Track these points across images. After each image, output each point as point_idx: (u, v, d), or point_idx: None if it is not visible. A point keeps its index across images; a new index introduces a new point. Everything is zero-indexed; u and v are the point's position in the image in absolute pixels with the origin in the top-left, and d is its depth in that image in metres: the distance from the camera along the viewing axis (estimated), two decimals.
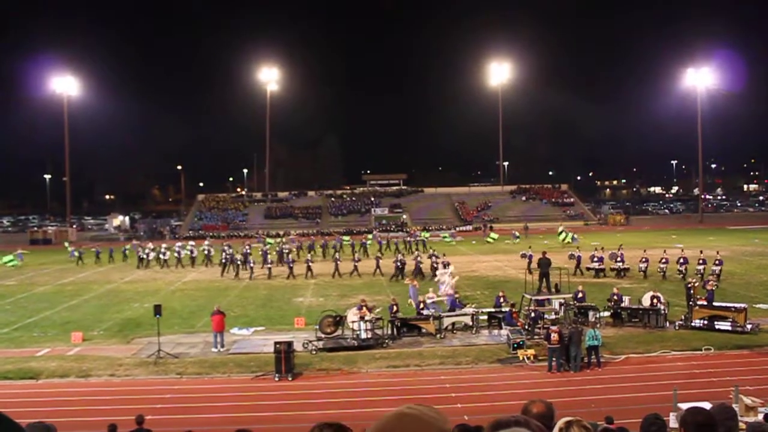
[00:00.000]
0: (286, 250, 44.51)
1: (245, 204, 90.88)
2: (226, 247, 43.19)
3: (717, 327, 21.65)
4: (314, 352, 20.42)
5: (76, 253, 49.41)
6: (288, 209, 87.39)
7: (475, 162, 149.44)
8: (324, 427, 2.16)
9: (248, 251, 42.09)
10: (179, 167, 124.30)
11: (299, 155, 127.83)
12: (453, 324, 22.99)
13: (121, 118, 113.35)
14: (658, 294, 23.49)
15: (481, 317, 23.43)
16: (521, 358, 18.94)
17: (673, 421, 10.06)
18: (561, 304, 23.74)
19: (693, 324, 22.09)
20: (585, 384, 17.31)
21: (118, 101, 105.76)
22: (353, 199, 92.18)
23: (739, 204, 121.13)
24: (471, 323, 22.95)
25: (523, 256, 37.73)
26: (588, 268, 35.82)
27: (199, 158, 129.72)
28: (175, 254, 45.67)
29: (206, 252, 46.04)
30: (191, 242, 50.13)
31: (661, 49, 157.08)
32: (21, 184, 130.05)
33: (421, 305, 23.71)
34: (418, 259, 37.68)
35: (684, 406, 9.75)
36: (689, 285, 25.23)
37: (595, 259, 36.18)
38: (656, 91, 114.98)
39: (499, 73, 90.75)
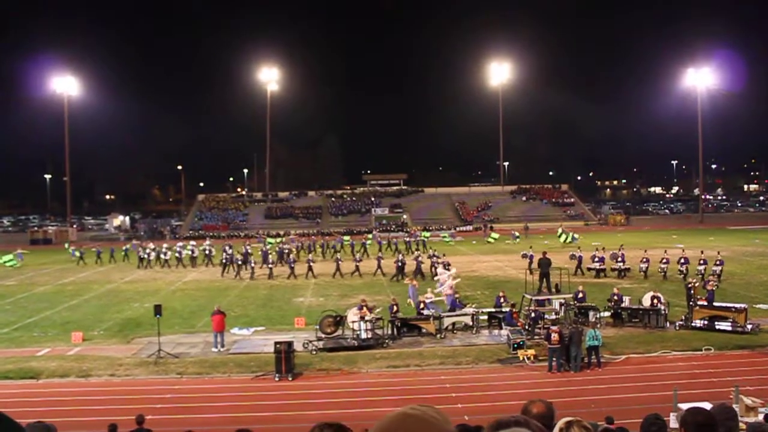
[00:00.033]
0: (286, 250, 44.54)
1: (245, 204, 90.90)
2: (226, 248, 43.21)
3: (717, 327, 21.65)
4: (314, 352, 20.42)
5: (77, 253, 49.43)
6: (288, 209, 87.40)
7: (475, 162, 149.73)
8: (324, 427, 2.16)
9: (249, 251, 42.13)
10: (179, 167, 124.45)
11: (299, 155, 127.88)
12: (453, 324, 22.99)
13: (122, 118, 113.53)
14: (659, 294, 23.49)
15: (482, 317, 23.43)
16: (521, 358, 18.94)
17: (673, 422, 10.06)
18: (561, 305, 23.74)
19: (693, 324, 22.09)
20: (585, 384, 17.31)
21: (119, 101, 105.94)
22: (353, 199, 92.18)
23: (739, 204, 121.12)
24: (471, 323, 22.95)
25: (524, 256, 37.75)
26: (589, 269, 35.84)
27: (200, 158, 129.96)
28: (176, 254, 45.72)
29: (207, 252, 46.10)
30: (192, 242, 50.16)
31: (661, 49, 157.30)
32: (21, 184, 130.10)
33: (422, 305, 23.72)
34: (419, 259, 37.69)
35: (684, 406, 9.75)
36: (689, 285, 25.23)
37: (596, 259, 36.19)
38: (656, 91, 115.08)
39: (499, 73, 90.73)
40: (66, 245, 53.99)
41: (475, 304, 25.90)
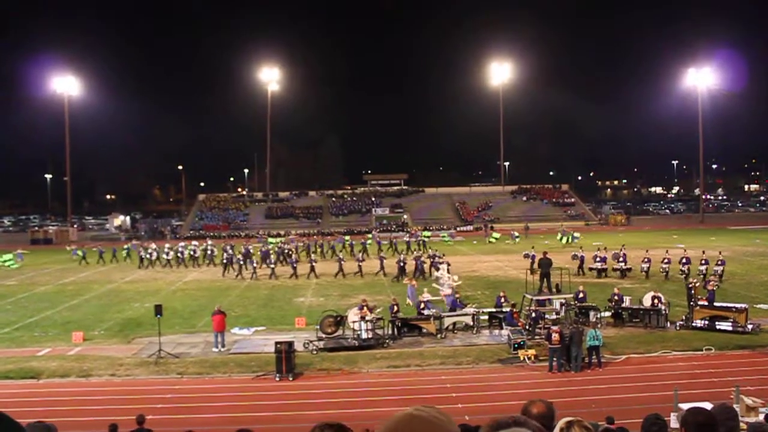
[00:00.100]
0: (286, 250, 44.58)
1: (246, 204, 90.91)
2: (228, 248, 43.27)
3: (718, 327, 21.65)
4: (315, 352, 20.43)
5: (79, 252, 49.48)
6: (289, 209, 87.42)
7: (475, 162, 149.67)
8: (325, 427, 2.16)
9: (250, 251, 42.20)
10: (180, 167, 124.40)
11: (300, 155, 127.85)
12: (454, 324, 22.99)
13: (122, 118, 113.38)
14: (659, 294, 23.49)
15: (482, 317, 23.43)
16: (522, 358, 18.94)
17: (673, 422, 10.06)
18: (562, 305, 23.75)
19: (694, 324, 22.09)
20: (586, 384, 17.31)
21: (119, 101, 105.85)
22: (354, 199, 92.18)
23: (740, 204, 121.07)
24: (472, 323, 22.95)
25: (526, 256, 37.72)
26: (590, 269, 35.85)
27: (200, 158, 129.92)
28: (178, 254, 45.79)
29: (209, 252, 46.19)
30: (194, 242, 50.22)
31: (662, 49, 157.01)
32: (22, 183, 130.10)
33: (422, 305, 23.72)
34: (421, 259, 37.73)
35: (685, 406, 9.74)
36: (690, 285, 25.22)
37: (598, 259, 36.18)
38: (657, 91, 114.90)
39: (500, 73, 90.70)
40: (68, 248, 53.91)
41: (475, 304, 25.89)
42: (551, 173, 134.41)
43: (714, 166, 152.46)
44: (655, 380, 16.76)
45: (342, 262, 38.70)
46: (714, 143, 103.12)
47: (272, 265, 38.94)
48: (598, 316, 22.98)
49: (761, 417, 10.13)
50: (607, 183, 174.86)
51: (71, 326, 25.12)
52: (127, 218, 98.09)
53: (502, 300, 23.93)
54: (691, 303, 23.35)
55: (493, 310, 23.81)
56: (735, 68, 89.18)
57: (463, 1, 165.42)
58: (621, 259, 35.35)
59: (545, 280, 27.45)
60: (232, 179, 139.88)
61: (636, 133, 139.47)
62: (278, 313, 27.49)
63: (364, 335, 21.18)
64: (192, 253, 46.51)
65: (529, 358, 18.91)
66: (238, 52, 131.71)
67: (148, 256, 45.12)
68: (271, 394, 17.04)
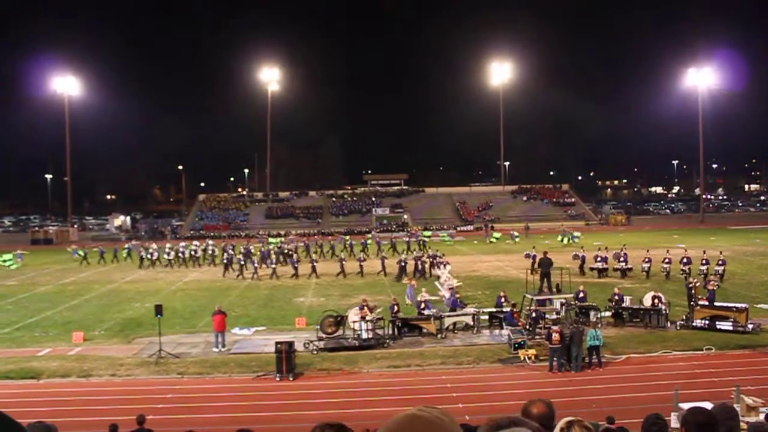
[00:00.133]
0: (285, 250, 44.60)
1: (246, 204, 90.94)
2: (229, 248, 43.33)
3: (718, 327, 21.64)
4: (315, 352, 20.43)
5: (80, 252, 49.50)
6: (289, 209, 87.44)
7: (476, 162, 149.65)
8: (325, 427, 2.16)
9: (251, 250, 42.25)
10: (180, 167, 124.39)
11: (300, 155, 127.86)
12: (454, 324, 22.99)
13: (122, 118, 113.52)
14: (660, 294, 23.48)
15: (483, 317, 23.42)
16: (522, 358, 18.93)
17: (674, 421, 10.06)
18: (562, 304, 23.75)
19: (694, 324, 22.08)
20: (586, 384, 17.31)
21: (119, 101, 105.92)
22: (354, 199, 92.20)
23: (740, 204, 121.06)
24: (472, 323, 22.95)
25: (527, 256, 37.76)
26: (591, 268, 35.86)
27: (200, 158, 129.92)
28: (179, 254, 45.84)
29: (211, 252, 46.23)
30: (195, 242, 50.26)
31: (662, 49, 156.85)
32: (22, 183, 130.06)
33: (422, 305, 23.73)
34: (423, 259, 37.78)
35: (685, 406, 9.74)
36: (690, 285, 25.22)
37: (599, 259, 36.16)
38: (657, 91, 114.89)
39: (500, 73, 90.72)
40: (69, 250, 53.86)
41: (476, 304, 25.90)
42: (551, 173, 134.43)
43: (714, 166, 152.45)
44: (655, 380, 16.76)
45: (343, 262, 38.74)
46: (714, 143, 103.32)
47: (273, 265, 38.97)
48: (599, 315, 22.98)
49: (762, 417, 10.13)
50: (608, 183, 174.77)
51: (72, 326, 25.12)
52: (128, 218, 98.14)
53: (503, 300, 23.92)
54: (692, 303, 23.34)
55: (494, 310, 23.81)
56: (735, 68, 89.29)
57: (463, 1, 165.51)
58: (622, 258, 35.34)
59: (545, 280, 27.45)
60: (232, 179, 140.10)
61: (636, 133, 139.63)
62: (278, 313, 27.49)
63: (364, 335, 21.18)
64: (193, 252, 46.56)
65: (529, 358, 18.90)
66: (238, 52, 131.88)
67: (149, 256, 45.14)
68: (271, 394, 17.04)
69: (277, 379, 17.98)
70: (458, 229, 76.37)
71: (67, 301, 31.68)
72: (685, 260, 33.33)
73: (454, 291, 25.95)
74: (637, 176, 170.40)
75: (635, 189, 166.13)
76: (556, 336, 18.18)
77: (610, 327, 22.73)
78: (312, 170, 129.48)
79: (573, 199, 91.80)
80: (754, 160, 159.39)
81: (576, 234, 54.57)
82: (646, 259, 34.63)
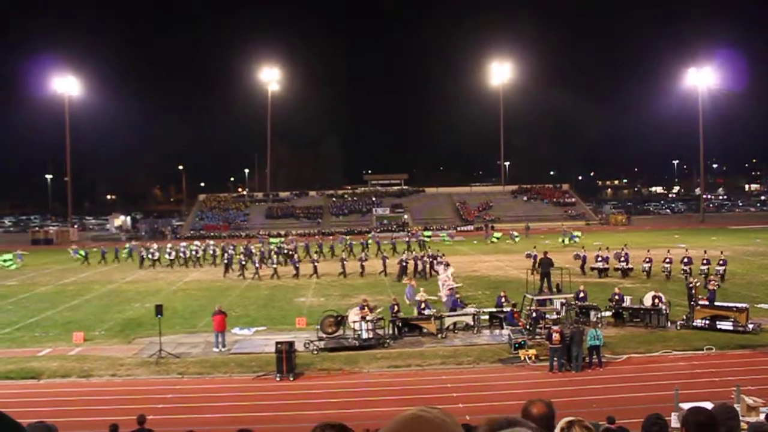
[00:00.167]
0: (285, 250, 44.61)
1: (246, 204, 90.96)
2: (231, 248, 43.35)
3: (719, 327, 21.63)
4: (315, 352, 20.43)
5: (81, 252, 49.51)
6: (289, 209, 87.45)
7: (476, 162, 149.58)
8: (326, 427, 2.16)
9: (252, 250, 42.32)
10: (180, 167, 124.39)
11: (300, 155, 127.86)
12: (454, 324, 22.99)
13: (123, 118, 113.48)
14: (660, 294, 23.47)
15: (483, 317, 23.41)
16: (523, 358, 18.93)
17: (674, 421, 10.05)
18: (562, 304, 23.75)
19: (694, 324, 22.08)
20: (586, 384, 17.31)
21: (119, 101, 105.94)
22: (354, 199, 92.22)
23: (740, 204, 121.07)
24: (472, 323, 22.95)
25: (528, 256, 37.78)
26: (592, 268, 35.85)
27: (201, 158, 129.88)
28: (181, 254, 45.87)
29: (212, 252, 46.25)
30: (196, 242, 50.31)
31: (662, 48, 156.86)
32: (22, 184, 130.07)
33: (422, 305, 23.72)
34: (424, 259, 37.82)
35: (685, 406, 9.74)
36: (691, 285, 25.20)
37: (600, 258, 36.15)
38: (657, 90, 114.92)
39: (500, 72, 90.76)
40: (70, 250, 53.85)
41: (476, 304, 25.90)
42: (552, 173, 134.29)
43: (714, 166, 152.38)
44: (655, 380, 16.76)
45: (345, 262, 38.78)
46: (714, 143, 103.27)
47: (274, 265, 38.99)
48: (599, 315, 22.98)
49: (762, 417, 10.13)
50: (608, 183, 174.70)
51: (72, 326, 25.13)
52: (128, 218, 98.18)
53: (503, 300, 23.92)
54: (692, 303, 23.32)
55: (494, 309, 23.80)
56: (735, 68, 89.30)
57: (463, 1, 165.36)
58: (623, 258, 35.33)
59: (545, 279, 27.44)
60: (232, 179, 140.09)
61: (636, 133, 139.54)
62: (279, 313, 27.49)
63: (364, 335, 21.18)
64: (194, 252, 46.60)
65: (529, 358, 18.90)
66: (238, 52, 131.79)
67: (150, 256, 45.18)
68: (271, 394, 17.04)
69: (278, 379, 17.98)
70: (458, 229, 76.42)
71: (68, 302, 31.68)
72: (686, 260, 33.31)
73: (453, 291, 25.94)
74: (638, 176, 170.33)
75: (635, 189, 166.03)
76: (556, 336, 18.18)
77: (611, 327, 22.72)
78: (312, 170, 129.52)
79: (573, 199, 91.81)
80: (754, 160, 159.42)
81: (576, 234, 54.54)
82: (647, 259, 34.60)
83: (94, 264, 47.49)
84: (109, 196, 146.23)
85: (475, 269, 39.91)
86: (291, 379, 17.98)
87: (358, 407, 15.81)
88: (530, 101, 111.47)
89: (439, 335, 22.05)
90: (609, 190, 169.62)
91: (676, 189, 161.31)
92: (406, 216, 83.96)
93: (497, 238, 58.12)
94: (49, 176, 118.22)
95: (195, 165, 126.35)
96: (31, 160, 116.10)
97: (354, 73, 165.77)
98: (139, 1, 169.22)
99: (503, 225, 74.31)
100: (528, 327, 21.83)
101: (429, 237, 57.12)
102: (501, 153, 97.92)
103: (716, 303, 23.03)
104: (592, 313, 23.09)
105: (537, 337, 20.72)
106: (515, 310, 22.98)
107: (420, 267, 36.89)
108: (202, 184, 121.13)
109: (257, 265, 39.15)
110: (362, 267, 38.30)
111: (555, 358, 18.21)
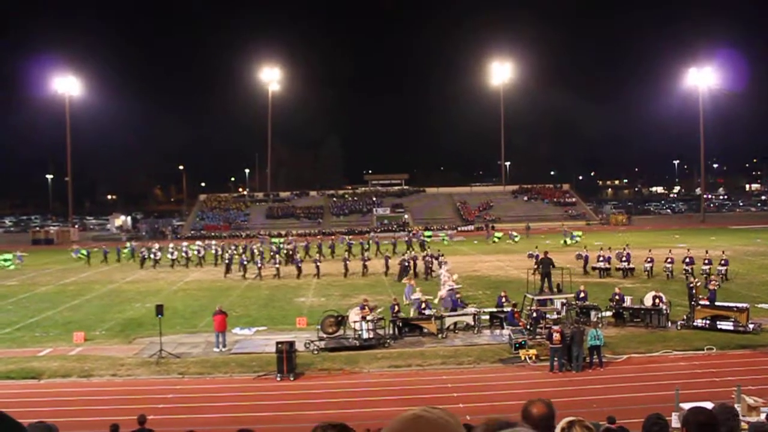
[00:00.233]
0: (285, 251, 44.65)
1: (247, 204, 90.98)
2: (231, 248, 43.36)
3: (719, 327, 21.62)
4: (316, 352, 20.42)
5: (83, 251, 49.52)
6: (290, 209, 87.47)
7: (476, 162, 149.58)
8: (328, 427, 2.16)
9: (254, 250, 42.42)
10: (181, 167, 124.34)
11: (301, 155, 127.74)
12: (455, 324, 22.98)
13: (123, 118, 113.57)
14: (660, 294, 23.46)
15: (483, 317, 23.41)
16: (523, 358, 18.93)
17: (675, 421, 10.05)
18: (563, 304, 23.73)
19: (695, 324, 22.07)
20: (587, 384, 17.30)
21: (120, 101, 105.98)
22: (355, 199, 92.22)
23: (741, 204, 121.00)
24: (473, 323, 22.94)
25: (530, 256, 37.79)
26: (593, 268, 35.84)
27: (201, 158, 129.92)
28: (182, 254, 45.88)
29: (214, 252, 46.26)
30: (198, 242, 50.35)
31: (663, 48, 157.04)
32: (23, 184, 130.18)
33: (423, 305, 23.73)
34: (426, 258, 37.86)
35: (686, 406, 9.74)
36: (691, 285, 25.18)
37: (601, 259, 36.13)
38: (658, 90, 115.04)
39: (501, 72, 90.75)
40: (70, 250, 53.83)
41: (476, 304, 25.89)
42: (552, 173, 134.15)
43: (715, 166, 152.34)
44: (656, 380, 16.75)
45: (347, 262, 38.84)
46: (715, 143, 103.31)
47: (277, 265, 39.03)
48: (599, 315, 22.97)
49: (762, 416, 10.13)
50: (608, 183, 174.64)
51: (72, 326, 25.13)
52: (128, 218, 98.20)
53: (503, 300, 23.91)
54: (693, 302, 23.31)
55: (494, 309, 23.79)
56: (736, 68, 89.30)
57: (463, 1, 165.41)
58: (624, 258, 35.32)
59: (546, 279, 27.43)
60: (233, 179, 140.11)
61: (637, 133, 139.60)
62: (279, 313, 27.49)
63: (365, 335, 21.17)
64: (197, 252, 46.64)
65: (530, 358, 18.90)
66: (239, 52, 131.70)
67: (152, 256, 45.22)
68: (272, 394, 17.04)
69: (278, 379, 17.98)
70: (459, 229, 76.44)
71: (68, 301, 31.69)
72: (687, 260, 33.24)
73: (453, 291, 25.93)
74: (638, 176, 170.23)
75: (636, 189, 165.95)
76: (556, 336, 18.17)
77: (611, 327, 22.71)
78: (313, 170, 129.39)
79: (574, 199, 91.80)
80: (754, 160, 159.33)
81: (576, 234, 54.49)
82: (648, 259, 34.58)
83: (96, 264, 47.50)
84: (109, 196, 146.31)
85: (475, 269, 39.91)
86: (291, 379, 17.98)
87: (359, 407, 15.81)
88: (530, 101, 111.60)
89: (440, 335, 22.04)
90: (609, 190, 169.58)
91: (676, 189, 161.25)
92: (406, 216, 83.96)
93: (498, 238, 58.17)
94: (49, 176, 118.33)
95: (195, 165, 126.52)
96: (32, 160, 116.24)
97: (354, 73, 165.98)
98: (139, 1, 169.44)
99: (504, 225, 74.32)
100: (528, 327, 21.81)
101: (429, 237, 57.12)
102: (501, 153, 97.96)
103: (717, 303, 23.02)
104: (593, 313, 23.07)
105: (537, 337, 20.70)
106: (516, 310, 22.97)
107: (425, 267, 36.92)
108: (203, 184, 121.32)
109: (259, 265, 39.17)
110: (365, 267, 38.37)
111: (555, 358, 18.21)
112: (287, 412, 15.43)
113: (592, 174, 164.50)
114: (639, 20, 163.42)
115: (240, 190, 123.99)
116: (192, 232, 78.08)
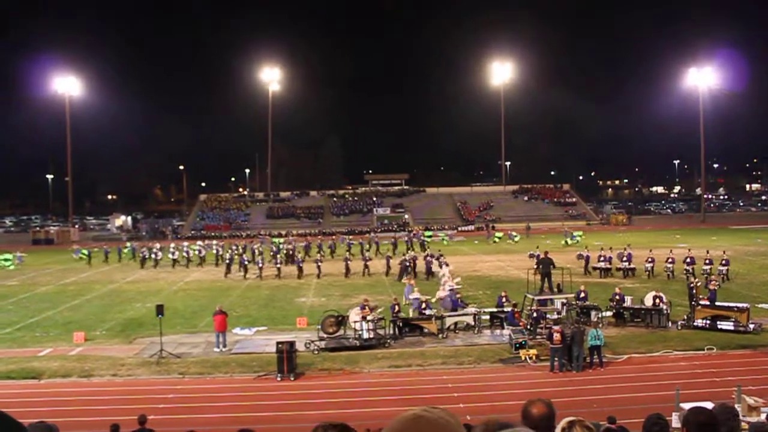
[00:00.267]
0: (284, 250, 44.68)
1: (247, 204, 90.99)
2: (233, 248, 43.38)
3: (719, 327, 21.62)
4: (316, 352, 20.42)
5: (84, 251, 49.53)
6: (290, 209, 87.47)
7: (477, 162, 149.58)
8: (329, 427, 2.16)
9: (255, 250, 42.46)
10: (181, 167, 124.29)
11: (301, 155, 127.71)
12: (455, 324, 22.98)
13: (123, 118, 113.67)
14: (661, 294, 23.46)
15: (484, 317, 23.41)
16: (523, 358, 18.93)
17: (675, 421, 10.04)
18: (563, 304, 23.72)
19: (695, 324, 22.06)
20: (587, 384, 17.30)
21: (120, 101, 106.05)
22: (355, 199, 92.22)
23: (741, 204, 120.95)
24: (473, 323, 22.94)
25: (532, 256, 37.79)
26: (594, 268, 35.83)
27: (201, 158, 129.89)
28: (184, 254, 45.90)
29: (215, 252, 46.30)
30: (199, 242, 50.38)
31: (663, 48, 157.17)
32: (23, 184, 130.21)
33: (423, 305, 23.72)
34: (428, 258, 37.90)
35: (686, 406, 9.74)
36: (691, 285, 25.17)
37: (603, 259, 36.11)
38: (658, 90, 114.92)
39: (501, 72, 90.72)
40: (71, 250, 53.82)
41: (477, 304, 25.89)
42: (552, 173, 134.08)
43: (715, 166, 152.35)
44: (656, 380, 16.75)
45: (349, 262, 38.88)
46: (715, 143, 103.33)
47: (279, 265, 39.05)
48: (600, 315, 22.96)
49: (763, 417, 10.13)
50: (609, 183, 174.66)
51: (73, 326, 25.13)
52: (129, 218, 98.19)
53: (504, 300, 23.91)
54: (693, 302, 23.31)
55: (495, 309, 23.79)
56: (736, 68, 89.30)
57: (463, 1, 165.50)
58: (625, 258, 35.31)
59: (546, 279, 27.42)
60: (233, 179, 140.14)
61: (637, 133, 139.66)
62: (280, 313, 27.49)
63: (365, 335, 21.17)
64: (198, 252, 46.64)
65: (530, 358, 18.90)
66: (239, 52, 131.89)
67: (153, 255, 45.23)
68: (272, 394, 17.04)
69: (278, 379, 17.98)
70: (459, 229, 76.44)
71: (68, 301, 31.70)
72: (688, 260, 33.20)
73: (454, 291, 25.93)
74: (638, 176, 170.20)
75: (636, 189, 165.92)
76: (557, 336, 18.17)
77: (611, 327, 22.71)
78: (313, 170, 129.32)
79: (574, 199, 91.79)
80: (755, 160, 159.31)
81: (576, 234, 54.46)
82: (649, 259, 34.57)
83: (98, 264, 47.51)
84: (109, 196, 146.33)
85: (476, 269, 39.91)
86: (292, 379, 17.98)
87: (359, 407, 15.81)
88: (531, 101, 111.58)
89: (440, 335, 22.04)
90: (610, 190, 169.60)
91: (676, 189, 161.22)
92: (406, 216, 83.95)
93: (499, 238, 58.20)
94: (49, 176, 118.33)
95: (196, 165, 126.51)
96: (32, 160, 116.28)
97: (354, 73, 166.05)
98: (139, 1, 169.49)
99: (504, 225, 74.31)
100: (529, 327, 21.80)
101: (430, 237, 57.13)
102: (502, 153, 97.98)
103: (717, 303, 23.01)
104: (593, 313, 23.07)
105: (538, 337, 20.70)
106: (516, 310, 22.96)
107: (422, 267, 36.92)
108: (203, 184, 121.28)
109: (261, 265, 39.17)
110: (366, 267, 38.41)
111: (556, 358, 18.21)
112: (288, 412, 15.43)
113: (593, 174, 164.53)
114: (639, 20, 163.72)
115: (240, 190, 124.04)
116: (192, 232, 78.07)
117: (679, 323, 22.49)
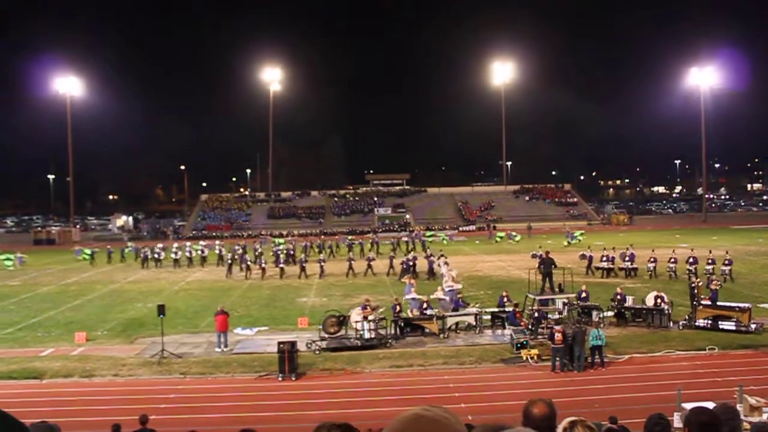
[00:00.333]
0: (284, 250, 44.68)
1: (248, 204, 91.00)
2: (235, 247, 43.41)
3: (721, 327, 21.60)
4: (318, 352, 20.43)
5: (87, 251, 49.57)
6: (291, 209, 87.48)
7: (478, 162, 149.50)
8: (332, 427, 2.15)
9: (256, 250, 42.46)
10: (182, 167, 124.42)
11: (302, 155, 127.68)
12: (456, 324, 22.99)
13: (125, 118, 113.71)
14: (662, 294, 23.44)
15: (485, 317, 23.41)
16: (525, 358, 18.92)
17: (677, 421, 10.04)
18: (565, 304, 23.71)
19: (697, 324, 22.05)
20: (588, 384, 17.29)
21: (121, 101, 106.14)
22: (356, 198, 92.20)
23: (742, 203, 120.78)
24: (474, 323, 22.94)
25: (534, 256, 37.73)
26: (597, 268, 35.81)
27: (203, 158, 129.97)
28: (186, 254, 45.92)
29: (219, 252, 46.33)
30: (201, 242, 50.41)
31: (664, 48, 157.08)
32: (24, 184, 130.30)
33: (424, 305, 23.72)
34: (430, 258, 37.90)
35: (688, 406, 9.73)
36: (693, 285, 25.14)
37: (605, 258, 36.08)
38: (659, 90, 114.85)
39: (502, 72, 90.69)
40: (73, 250, 53.87)
41: (478, 304, 25.87)
42: (553, 173, 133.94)
43: (717, 166, 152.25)
44: (658, 380, 16.74)
45: (352, 262, 38.90)
46: (716, 142, 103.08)
47: (281, 265, 39.05)
48: (601, 315, 22.96)
49: (764, 417, 10.13)
50: (610, 183, 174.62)
51: (74, 326, 25.15)
52: (130, 218, 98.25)
53: (505, 300, 23.90)
54: (694, 302, 23.28)
55: (496, 309, 23.78)
56: (737, 67, 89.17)
57: (463, 1, 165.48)
58: (627, 258, 35.28)
59: (547, 279, 27.40)
60: (234, 179, 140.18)
61: (638, 133, 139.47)
62: (281, 313, 27.50)
63: (366, 335, 21.18)
64: (200, 252, 46.65)
65: (531, 358, 18.89)
66: (240, 52, 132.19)
67: (155, 255, 45.25)
68: (273, 394, 17.05)
69: (280, 379, 17.99)
70: (460, 229, 76.42)
71: (70, 302, 31.73)
72: (691, 260, 33.14)
73: (455, 291, 25.92)
74: (640, 176, 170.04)
75: (637, 189, 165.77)
76: (558, 336, 18.17)
77: (613, 327, 22.70)
78: (314, 170, 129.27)
79: (575, 199, 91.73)
80: (756, 160, 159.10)
81: (576, 234, 54.39)
82: (652, 259, 34.52)
83: (100, 264, 47.54)
84: (111, 197, 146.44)
85: (477, 269, 39.91)
86: (293, 379, 17.99)
87: (360, 407, 15.82)
88: (532, 101, 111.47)
89: (441, 335, 22.04)
90: (611, 190, 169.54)
91: (678, 189, 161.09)
92: (408, 216, 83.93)
93: (501, 238, 58.18)
94: (51, 176, 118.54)
95: (197, 165, 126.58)
96: (33, 160, 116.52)
97: (355, 73, 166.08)
98: (139, 1, 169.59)
99: (505, 225, 74.24)
100: (530, 327, 21.79)
101: (430, 237, 57.14)
102: (503, 153, 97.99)
103: (719, 303, 22.98)
104: (594, 313, 23.07)
105: (539, 337, 20.70)
106: (517, 310, 22.94)
107: (423, 267, 36.91)
108: (204, 184, 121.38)
109: (263, 265, 39.18)
110: (369, 267, 38.43)
111: (557, 358, 18.20)
112: (289, 412, 15.43)
113: (594, 174, 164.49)
114: (639, 20, 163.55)
115: (241, 190, 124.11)
116: (193, 232, 78.09)
117: (681, 323, 22.47)
